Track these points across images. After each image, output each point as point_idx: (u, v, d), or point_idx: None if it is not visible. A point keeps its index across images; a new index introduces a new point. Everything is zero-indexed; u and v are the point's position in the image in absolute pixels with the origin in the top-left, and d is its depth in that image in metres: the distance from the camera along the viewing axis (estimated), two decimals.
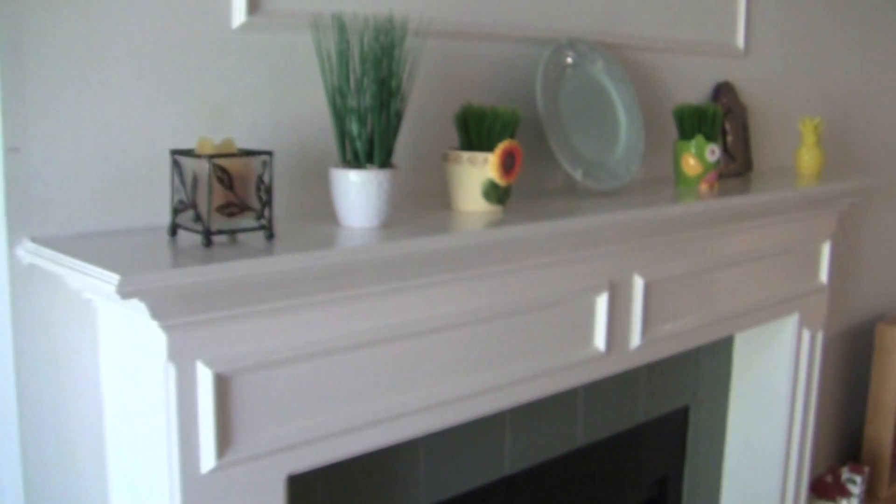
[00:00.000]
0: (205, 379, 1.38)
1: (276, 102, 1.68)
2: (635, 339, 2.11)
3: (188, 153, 1.42)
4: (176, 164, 1.42)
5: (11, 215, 1.42)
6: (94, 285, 1.27)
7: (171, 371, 1.35)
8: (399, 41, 1.53)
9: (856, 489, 3.27)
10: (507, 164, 1.76)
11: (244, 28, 1.60)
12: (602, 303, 2.00)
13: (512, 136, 1.79)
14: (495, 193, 1.77)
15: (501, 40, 2.04)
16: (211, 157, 1.37)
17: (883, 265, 3.70)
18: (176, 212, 1.44)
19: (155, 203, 1.54)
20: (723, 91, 2.64)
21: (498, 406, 1.85)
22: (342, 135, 1.56)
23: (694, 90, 2.59)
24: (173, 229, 1.45)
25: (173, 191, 1.44)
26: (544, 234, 1.75)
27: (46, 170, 1.44)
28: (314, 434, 1.53)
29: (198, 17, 1.56)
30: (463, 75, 1.97)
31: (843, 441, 3.69)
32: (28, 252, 1.42)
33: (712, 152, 2.29)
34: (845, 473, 3.30)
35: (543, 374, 1.91)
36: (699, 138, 2.28)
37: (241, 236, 1.45)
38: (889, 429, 3.55)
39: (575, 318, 1.96)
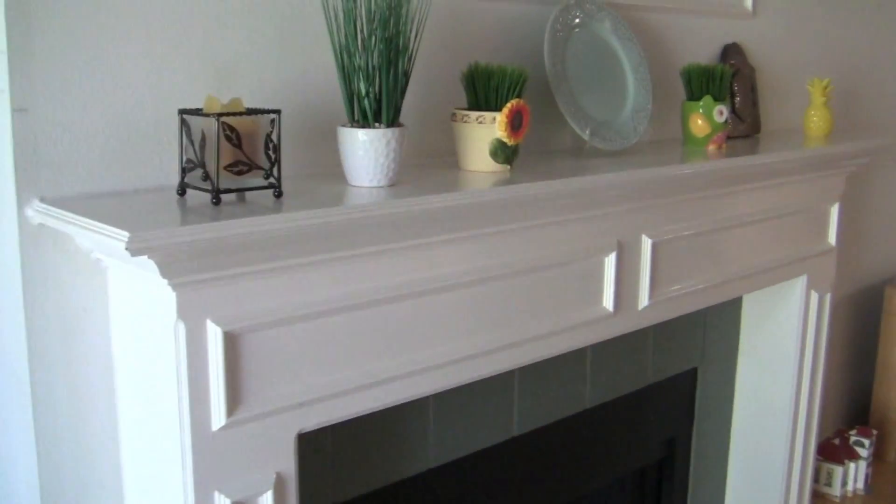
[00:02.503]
0: (215, 337, 1.39)
1: (284, 61, 1.67)
2: (643, 300, 2.12)
3: (196, 112, 1.42)
4: (184, 123, 1.42)
5: (20, 175, 1.42)
6: (104, 243, 1.27)
7: (181, 329, 1.36)
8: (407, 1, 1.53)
9: (864, 452, 3.28)
10: (515, 124, 1.75)
11: None
12: (610, 263, 2.00)
13: (519, 95, 1.79)
14: (503, 153, 1.77)
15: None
16: (219, 115, 1.36)
17: (891, 228, 3.69)
18: (185, 171, 1.44)
19: (164, 163, 1.54)
20: (731, 52, 2.63)
21: (507, 366, 1.86)
22: (350, 93, 1.56)
23: (702, 51, 2.58)
24: (182, 189, 1.45)
25: (182, 150, 1.44)
26: (552, 193, 1.75)
27: (55, 130, 1.44)
28: (324, 392, 1.54)
29: None
30: (470, 34, 1.96)
31: (850, 404, 3.70)
32: (37, 212, 1.42)
33: (720, 112, 2.28)
34: (853, 436, 3.31)
35: (552, 334, 1.92)
36: (707, 98, 2.27)
37: (250, 195, 1.45)
38: None
39: (583, 277, 1.96)
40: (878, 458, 3.49)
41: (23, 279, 1.46)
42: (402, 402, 1.68)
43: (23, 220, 1.43)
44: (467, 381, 1.79)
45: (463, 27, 1.94)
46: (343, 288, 1.54)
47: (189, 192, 1.46)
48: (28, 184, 1.43)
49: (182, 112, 1.43)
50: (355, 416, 1.61)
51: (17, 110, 1.40)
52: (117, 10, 1.47)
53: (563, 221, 1.87)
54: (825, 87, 2.69)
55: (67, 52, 1.43)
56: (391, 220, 1.50)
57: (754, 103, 2.69)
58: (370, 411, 1.63)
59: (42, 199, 1.43)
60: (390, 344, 1.62)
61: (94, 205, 1.41)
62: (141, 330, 1.45)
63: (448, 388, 1.76)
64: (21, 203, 1.43)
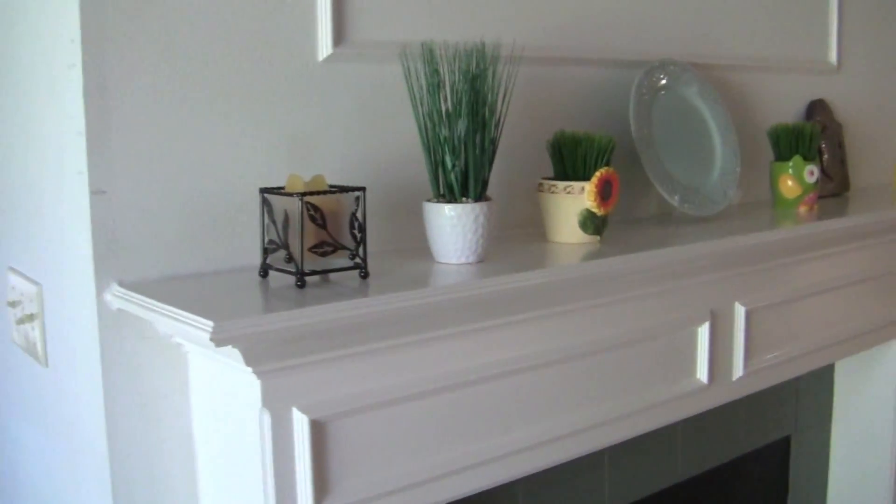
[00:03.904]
0: (301, 426, 1.33)
1: (365, 136, 1.63)
2: (738, 370, 2.02)
3: (278, 191, 1.37)
4: (265, 203, 1.38)
5: (99, 259, 1.38)
6: (186, 331, 1.22)
7: (266, 418, 1.30)
8: (492, 67, 1.47)
9: None
10: (605, 193, 1.69)
11: (330, 60, 1.56)
12: (704, 333, 1.91)
13: (608, 163, 1.72)
14: (593, 223, 1.70)
15: (589, 64, 1.97)
16: (302, 194, 1.31)
17: None
18: (266, 252, 1.39)
19: (244, 243, 1.49)
20: (817, 108, 2.54)
21: (600, 444, 1.77)
22: (434, 167, 1.50)
23: (787, 109, 2.49)
24: (264, 270, 1.40)
25: (263, 230, 1.39)
26: (647, 265, 1.68)
27: (132, 212, 1.40)
28: (412, 479, 1.46)
29: (283, 51, 1.52)
30: (551, 101, 1.90)
31: None
32: (116, 296, 1.38)
33: (811, 173, 2.20)
34: None
35: (646, 409, 1.83)
36: (797, 159, 2.18)
37: (334, 276, 1.40)
38: None
39: (676, 349, 1.88)
40: None
41: (102, 365, 1.41)
42: (492, 485, 1.60)
43: (101, 305, 1.39)
44: (560, 462, 1.71)
45: (544, 93, 1.88)
46: (430, 370, 1.47)
47: (271, 273, 1.41)
48: (106, 267, 1.39)
49: (263, 191, 1.38)
50: (446, 501, 1.54)
51: (95, 192, 1.37)
52: (194, 89, 1.43)
53: (655, 293, 1.79)
54: None
55: (144, 132, 1.40)
56: (482, 300, 1.44)
57: (842, 161, 2.59)
58: (460, 497, 1.55)
59: (121, 284, 1.39)
60: (478, 427, 1.55)
61: (175, 288, 1.37)
62: (224, 417, 1.40)
63: (541, 469, 1.67)
64: (99, 288, 1.39)
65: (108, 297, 1.39)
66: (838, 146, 2.57)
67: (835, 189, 2.55)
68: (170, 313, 1.25)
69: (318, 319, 1.23)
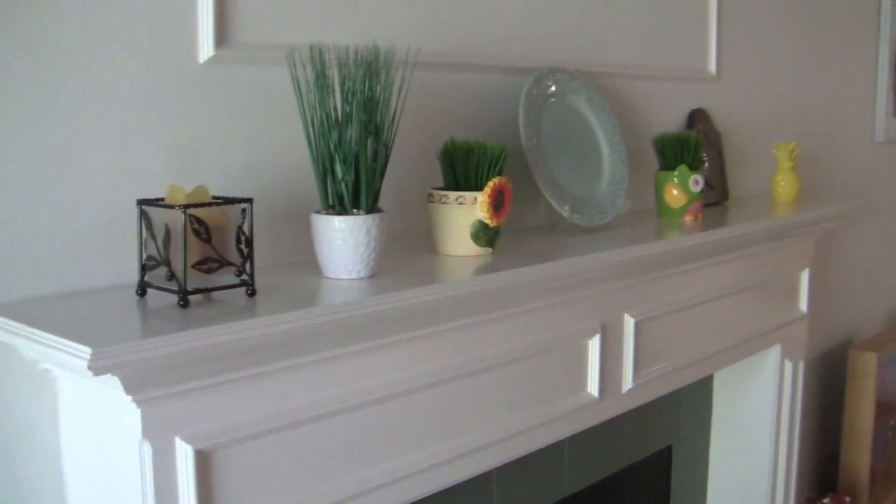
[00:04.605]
0: (185, 456, 1.23)
1: (249, 143, 1.53)
2: (627, 382, 2.00)
3: (158, 203, 1.27)
4: (144, 216, 1.27)
5: None
6: (58, 357, 1.12)
7: (147, 449, 1.20)
8: (386, 73, 1.40)
9: None
10: (497, 204, 1.63)
11: (212, 62, 1.46)
12: (595, 346, 1.88)
13: (500, 172, 1.67)
14: (485, 235, 1.64)
15: (478, 70, 1.91)
16: (185, 206, 1.22)
17: (850, 290, 3.64)
18: (145, 269, 1.29)
19: (118, 260, 1.38)
20: (697, 117, 2.55)
21: (495, 462, 1.72)
22: (323, 176, 1.42)
23: (668, 117, 2.49)
24: (142, 289, 1.30)
25: (142, 246, 1.28)
26: (543, 277, 1.63)
27: None
28: None
29: (161, 52, 1.41)
30: (439, 108, 1.84)
31: (817, 470, 3.61)
32: None
33: (696, 182, 2.19)
34: None
35: (539, 426, 1.78)
36: (683, 168, 2.18)
37: (217, 293, 1.30)
38: (865, 456, 3.47)
39: (567, 363, 1.84)
40: None
41: None
42: None
43: None
44: (458, 482, 1.65)
45: (432, 100, 1.82)
46: (321, 393, 1.39)
47: (150, 291, 1.30)
48: None
49: (141, 203, 1.28)
50: None
51: None
52: (65, 91, 1.32)
53: (546, 306, 1.75)
54: (792, 151, 2.63)
55: (8, 137, 1.27)
56: (378, 317, 1.36)
57: (722, 170, 2.61)
58: None
59: None
60: (370, 451, 1.47)
61: (43, 310, 1.26)
62: (98, 450, 1.29)
63: (434, 492, 1.61)
64: None
65: None
66: (718, 155, 2.59)
67: (715, 198, 2.56)
68: (39, 338, 1.14)
69: (205, 343, 1.14)
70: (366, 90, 1.38)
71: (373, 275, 1.45)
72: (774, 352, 2.66)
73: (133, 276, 1.36)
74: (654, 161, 2.28)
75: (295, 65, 1.40)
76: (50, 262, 1.33)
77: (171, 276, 1.24)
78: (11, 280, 1.29)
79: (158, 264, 1.26)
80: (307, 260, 1.50)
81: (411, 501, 1.57)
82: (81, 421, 1.31)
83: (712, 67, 2.61)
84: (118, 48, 1.36)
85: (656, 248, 1.92)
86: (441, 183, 1.72)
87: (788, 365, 2.70)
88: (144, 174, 1.40)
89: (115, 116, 1.37)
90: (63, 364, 1.18)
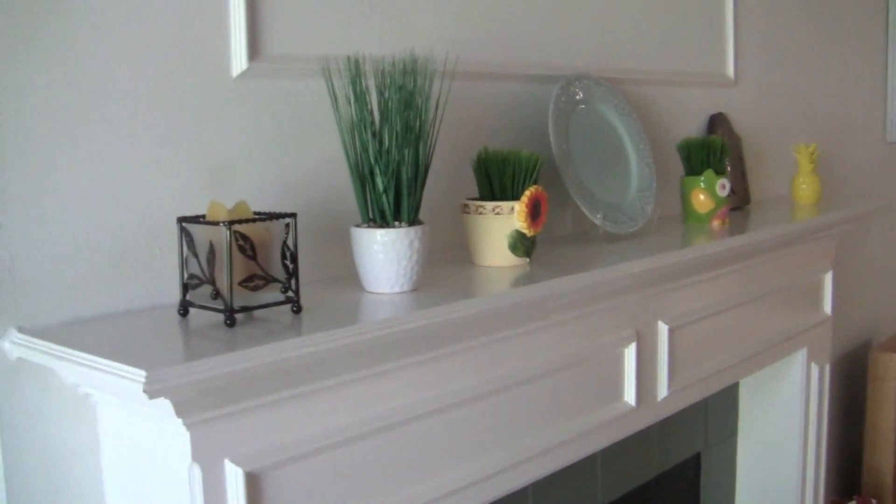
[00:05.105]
0: (235, 479, 1.19)
1: (283, 158, 1.50)
2: (663, 390, 1.97)
3: (199, 220, 1.24)
4: (185, 233, 1.24)
5: None
6: (106, 382, 1.08)
7: (197, 473, 1.16)
8: (427, 81, 1.37)
9: None
10: (534, 213, 1.61)
11: (245, 76, 1.43)
12: (631, 354, 1.85)
13: (535, 181, 1.64)
14: (523, 245, 1.61)
15: (500, 79, 1.89)
16: (230, 223, 1.19)
17: (867, 290, 3.61)
18: (187, 288, 1.26)
19: (158, 279, 1.35)
20: (717, 122, 2.53)
21: (537, 475, 1.69)
22: (363, 189, 1.39)
23: (689, 123, 2.47)
24: (184, 308, 1.27)
25: (183, 264, 1.25)
26: (588, 286, 1.60)
27: (32, 247, 1.25)
28: None
29: (193, 67, 1.38)
30: (463, 117, 1.81)
31: (840, 472, 3.58)
32: (16, 344, 1.22)
33: (723, 187, 2.17)
34: None
35: (578, 437, 1.75)
36: (709, 173, 2.15)
37: (259, 311, 1.27)
38: (889, 457, 3.45)
39: (604, 373, 1.81)
40: None
41: None
42: None
43: None
44: (500, 496, 1.61)
45: (457, 110, 1.79)
46: (367, 411, 1.35)
47: (192, 311, 1.27)
48: (4, 311, 1.23)
49: (182, 220, 1.25)
50: None
51: None
52: (99, 109, 1.29)
53: (583, 315, 1.72)
54: (812, 153, 2.61)
55: (44, 158, 1.25)
56: (427, 332, 1.33)
57: (743, 174, 2.58)
58: None
59: (21, 330, 1.23)
60: (414, 468, 1.44)
61: (83, 333, 1.23)
62: (143, 475, 1.25)
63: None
64: None
65: (6, 345, 1.23)
66: (738, 159, 2.57)
67: (737, 202, 2.53)
68: (85, 362, 1.11)
69: (257, 363, 1.11)
70: (407, 100, 1.36)
71: (415, 288, 1.42)
72: (801, 355, 2.63)
73: (171, 296, 1.33)
74: (675, 166, 2.26)
75: (330, 75, 1.37)
76: (87, 283, 1.30)
77: (216, 294, 1.21)
78: (49, 302, 1.26)
79: (202, 283, 1.23)
80: (345, 275, 1.48)
81: None
82: (124, 446, 1.27)
83: (730, 72, 2.59)
84: (151, 63, 1.34)
85: (692, 253, 1.89)
86: (471, 193, 1.69)
87: (815, 368, 2.67)
88: (180, 191, 1.38)
89: (149, 133, 1.34)
90: (109, 388, 1.15)
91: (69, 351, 1.14)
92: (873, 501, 3.24)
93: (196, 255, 1.24)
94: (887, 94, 3.66)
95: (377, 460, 1.38)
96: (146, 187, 1.34)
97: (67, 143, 1.26)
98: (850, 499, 3.26)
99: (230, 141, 1.43)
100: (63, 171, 1.26)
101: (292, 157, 1.51)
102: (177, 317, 1.27)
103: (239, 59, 1.42)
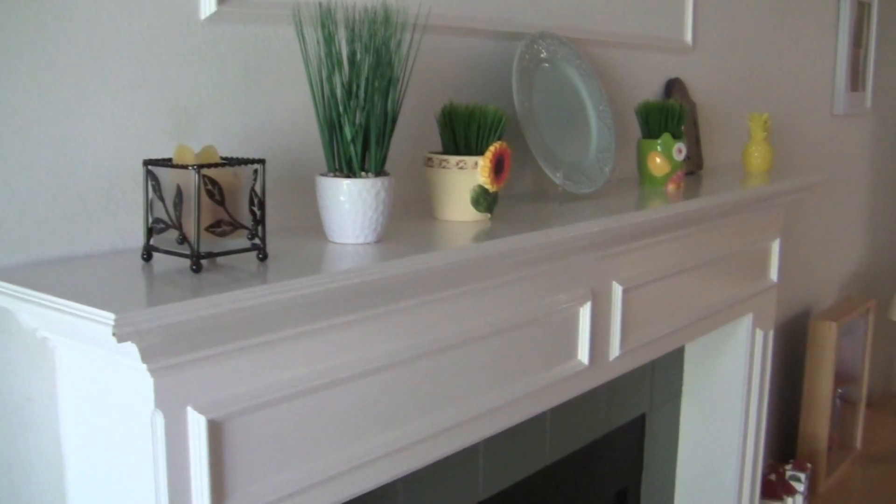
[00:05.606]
0: (197, 426, 1.18)
1: (250, 104, 1.48)
2: (615, 350, 1.99)
3: (167, 163, 1.22)
4: (151, 177, 1.22)
5: None
6: (69, 325, 1.07)
7: (159, 420, 1.15)
8: (397, 33, 1.36)
9: (800, 486, 3.23)
10: (498, 169, 1.60)
11: (214, 18, 1.40)
12: (586, 313, 1.87)
13: (500, 137, 1.64)
14: (485, 200, 1.61)
15: (465, 34, 1.87)
16: (199, 167, 1.17)
17: (807, 260, 3.68)
18: (152, 232, 1.24)
19: (119, 222, 1.33)
20: (674, 87, 2.54)
21: (491, 430, 1.70)
22: (331, 138, 1.38)
23: (646, 87, 2.48)
24: (148, 253, 1.25)
25: (148, 208, 1.23)
26: (550, 243, 1.61)
27: None
28: (314, 479, 1.35)
29: (161, 8, 1.35)
30: (427, 71, 1.79)
31: (777, 437, 3.65)
32: None
33: (680, 151, 2.18)
34: (789, 471, 3.26)
35: (532, 394, 1.77)
36: (667, 136, 2.16)
37: (224, 259, 1.25)
38: (824, 424, 3.53)
39: (559, 331, 1.82)
40: (811, 491, 3.44)
41: None
42: (392, 480, 1.51)
43: None
44: (458, 449, 1.63)
45: (428, 63, 1.77)
46: (328, 361, 1.35)
47: (155, 255, 1.25)
48: None
49: (148, 163, 1.23)
50: (343, 501, 1.42)
51: None
52: (63, 49, 1.25)
53: (540, 273, 1.73)
54: (765, 122, 2.64)
55: (4, 97, 1.21)
56: (393, 284, 1.33)
57: (697, 140, 2.61)
58: (359, 494, 1.45)
59: None
60: (373, 419, 1.44)
61: (44, 275, 1.20)
62: (102, 421, 1.23)
63: (436, 459, 1.59)
64: None
65: None
66: (693, 125, 2.59)
67: (690, 167, 2.56)
68: (50, 303, 1.09)
69: (227, 308, 1.10)
70: (377, 50, 1.34)
71: (379, 240, 1.41)
72: (746, 320, 2.67)
73: (134, 240, 1.31)
74: (632, 129, 2.27)
75: (301, 22, 1.35)
76: (48, 227, 1.27)
77: (183, 239, 1.19)
78: (9, 243, 1.23)
79: (167, 227, 1.21)
80: (309, 225, 1.46)
81: (412, 469, 1.54)
82: (82, 392, 1.26)
83: (688, 38, 2.60)
84: (118, 2, 1.30)
85: (650, 215, 1.91)
86: (435, 147, 1.69)
87: (759, 334, 2.72)
88: (144, 134, 1.35)
89: (115, 75, 1.31)
90: (73, 332, 1.13)
91: (32, 293, 1.12)
92: (808, 466, 3.31)
93: (162, 200, 1.22)
94: (836, 67, 3.71)
95: (337, 411, 1.38)
96: (110, 129, 1.31)
97: (30, 84, 1.23)
98: (787, 462, 3.33)
99: (197, 84, 1.41)
100: (25, 111, 1.23)
101: (260, 104, 1.49)
102: (140, 261, 1.26)
103: (208, 1, 1.39)
